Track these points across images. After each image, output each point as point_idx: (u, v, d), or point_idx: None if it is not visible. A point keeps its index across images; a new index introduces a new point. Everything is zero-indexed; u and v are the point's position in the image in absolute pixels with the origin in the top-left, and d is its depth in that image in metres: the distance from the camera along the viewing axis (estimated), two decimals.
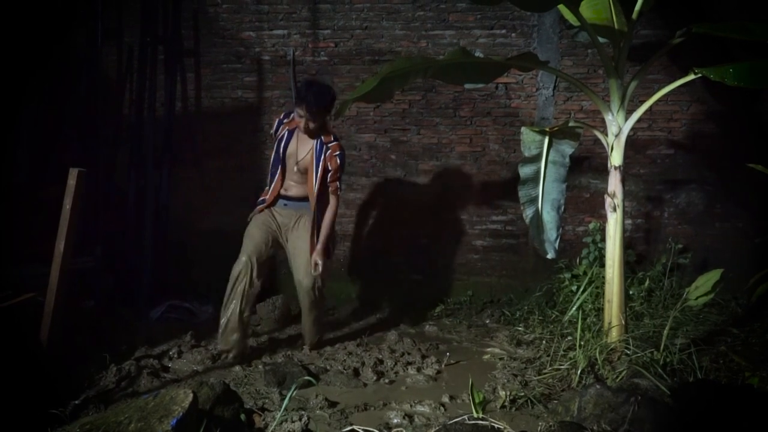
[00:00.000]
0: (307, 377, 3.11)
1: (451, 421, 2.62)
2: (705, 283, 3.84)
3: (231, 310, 3.52)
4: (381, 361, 3.65)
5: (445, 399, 3.16)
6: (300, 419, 2.80)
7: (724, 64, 2.90)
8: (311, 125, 3.52)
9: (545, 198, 3.49)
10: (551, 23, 4.85)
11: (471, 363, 3.73)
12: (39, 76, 4.42)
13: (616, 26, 3.37)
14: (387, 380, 3.44)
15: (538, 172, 3.48)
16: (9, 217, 4.06)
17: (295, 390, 2.87)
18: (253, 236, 3.60)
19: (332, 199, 3.66)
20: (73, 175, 3.02)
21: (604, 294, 3.40)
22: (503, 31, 4.92)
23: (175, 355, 3.66)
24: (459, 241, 5.10)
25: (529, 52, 4.52)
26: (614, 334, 3.28)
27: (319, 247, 3.57)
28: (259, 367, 3.55)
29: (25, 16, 4.29)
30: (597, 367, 3.18)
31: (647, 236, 4.97)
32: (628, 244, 4.72)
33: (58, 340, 3.07)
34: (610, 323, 3.30)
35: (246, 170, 5.14)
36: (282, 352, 3.80)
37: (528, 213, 3.51)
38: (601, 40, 3.40)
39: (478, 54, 3.39)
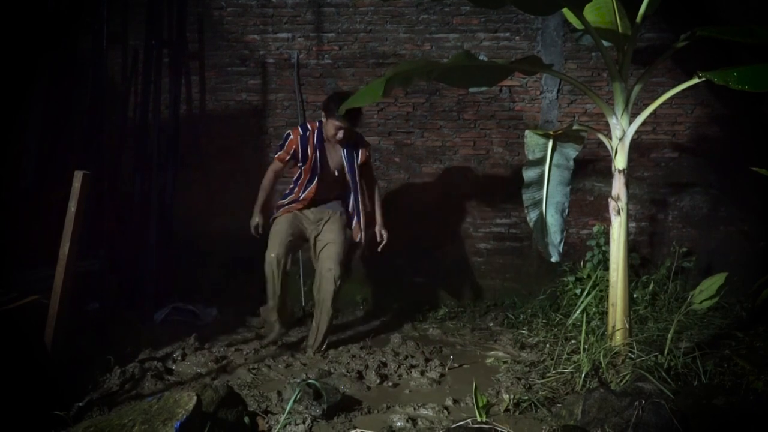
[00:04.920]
0: (311, 380, 3.10)
1: (454, 425, 2.62)
2: (709, 286, 3.82)
3: (274, 302, 3.93)
4: (384, 364, 3.65)
5: (449, 402, 3.16)
6: (303, 422, 2.80)
7: (728, 68, 2.89)
8: (348, 134, 3.85)
9: (549, 201, 3.49)
10: (555, 26, 4.85)
11: (474, 366, 3.73)
12: (44, 79, 4.42)
13: (620, 29, 3.36)
14: (390, 383, 3.44)
15: (542, 175, 3.48)
16: (14, 220, 4.08)
17: (298, 394, 2.88)
18: (280, 233, 3.88)
19: (375, 185, 4.16)
20: (78, 177, 3.03)
21: (608, 297, 3.39)
22: (507, 35, 4.92)
23: (179, 358, 3.66)
24: (462, 244, 5.10)
25: (533, 56, 4.55)
26: (618, 338, 3.27)
27: (380, 220, 4.08)
28: (263, 369, 3.56)
29: (30, 19, 4.31)
30: (601, 370, 3.17)
31: (651, 239, 4.96)
32: (632, 247, 4.71)
33: (62, 342, 3.07)
34: (614, 327, 3.29)
35: (251, 173, 5.13)
36: (285, 355, 3.80)
37: (532, 216, 3.51)
38: (605, 43, 3.39)
39: (482, 57, 3.40)
